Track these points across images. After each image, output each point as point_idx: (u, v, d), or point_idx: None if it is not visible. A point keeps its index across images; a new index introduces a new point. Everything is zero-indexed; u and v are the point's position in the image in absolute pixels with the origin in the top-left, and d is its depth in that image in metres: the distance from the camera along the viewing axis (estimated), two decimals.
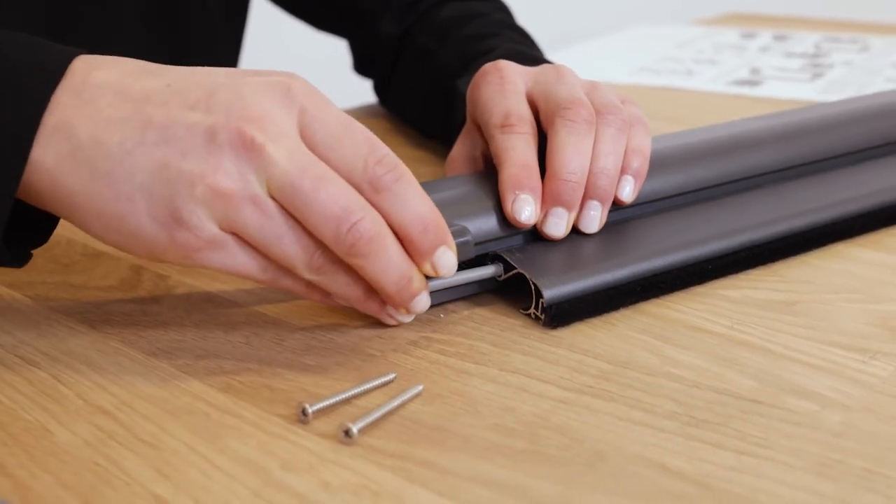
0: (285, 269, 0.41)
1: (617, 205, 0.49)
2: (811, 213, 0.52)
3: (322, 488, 0.34)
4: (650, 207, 0.52)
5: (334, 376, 0.41)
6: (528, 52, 0.66)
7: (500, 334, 0.45)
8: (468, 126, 0.55)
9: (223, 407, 0.39)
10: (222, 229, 0.40)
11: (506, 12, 0.80)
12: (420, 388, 0.39)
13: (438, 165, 0.71)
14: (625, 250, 0.48)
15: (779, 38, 1.20)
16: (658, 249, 0.48)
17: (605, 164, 0.48)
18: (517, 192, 0.46)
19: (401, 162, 0.41)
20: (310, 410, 0.37)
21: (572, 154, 0.47)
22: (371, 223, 0.39)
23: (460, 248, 0.44)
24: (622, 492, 0.33)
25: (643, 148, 0.49)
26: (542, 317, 0.44)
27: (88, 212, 0.40)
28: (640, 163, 0.49)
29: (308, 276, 0.41)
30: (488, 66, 0.51)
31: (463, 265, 0.46)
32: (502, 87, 0.50)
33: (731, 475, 0.34)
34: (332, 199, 0.39)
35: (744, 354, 0.42)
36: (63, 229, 0.59)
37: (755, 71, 1.01)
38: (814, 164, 0.58)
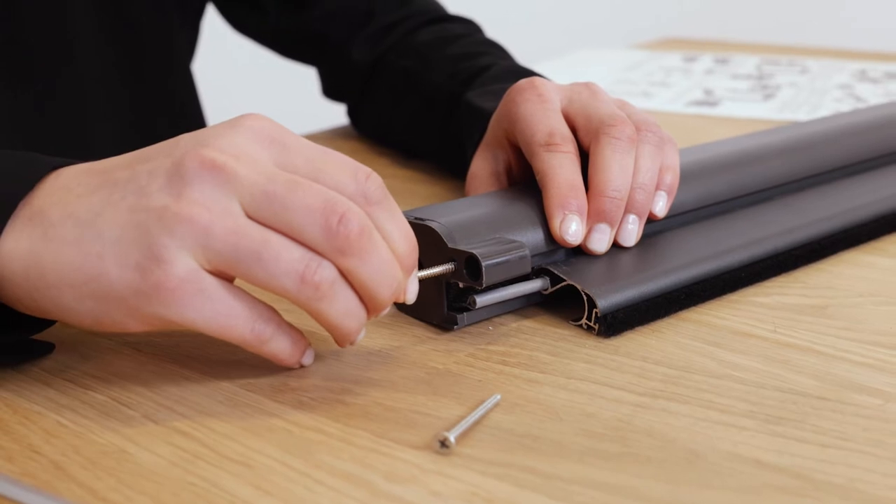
0: (276, 320, 0.40)
1: (649, 219, 0.51)
2: (824, 221, 0.55)
3: (433, 497, 0.34)
4: (674, 221, 0.53)
5: (405, 389, 0.41)
6: (526, 69, 0.67)
7: (555, 344, 0.45)
8: (492, 141, 0.55)
9: (302, 423, 0.39)
10: (202, 267, 0.37)
11: (482, 32, 0.82)
12: (498, 397, 0.40)
13: (431, 184, 0.72)
14: (663, 261, 0.49)
15: (720, 61, 1.25)
16: (694, 259, 0.49)
17: (644, 180, 0.49)
18: (565, 212, 0.47)
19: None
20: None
21: (617, 172, 0.48)
22: (360, 215, 0.37)
23: (519, 262, 0.45)
24: (727, 487, 0.34)
25: (674, 165, 0.51)
26: (597, 326, 0.45)
27: (60, 286, 0.38)
28: (673, 179, 0.51)
29: (304, 297, 0.38)
30: (524, 82, 0.52)
31: (511, 280, 0.46)
32: (542, 104, 0.51)
33: (825, 467, 0.35)
34: (312, 194, 0.37)
35: (795, 356, 0.44)
36: None
37: (709, 92, 1.05)
38: (819, 176, 0.60)
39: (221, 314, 0.38)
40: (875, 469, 0.35)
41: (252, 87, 1.77)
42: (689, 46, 1.39)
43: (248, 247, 0.37)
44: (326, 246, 0.37)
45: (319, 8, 0.82)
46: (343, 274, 0.38)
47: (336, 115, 0.95)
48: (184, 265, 0.37)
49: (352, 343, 0.41)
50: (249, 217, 0.37)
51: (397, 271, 0.39)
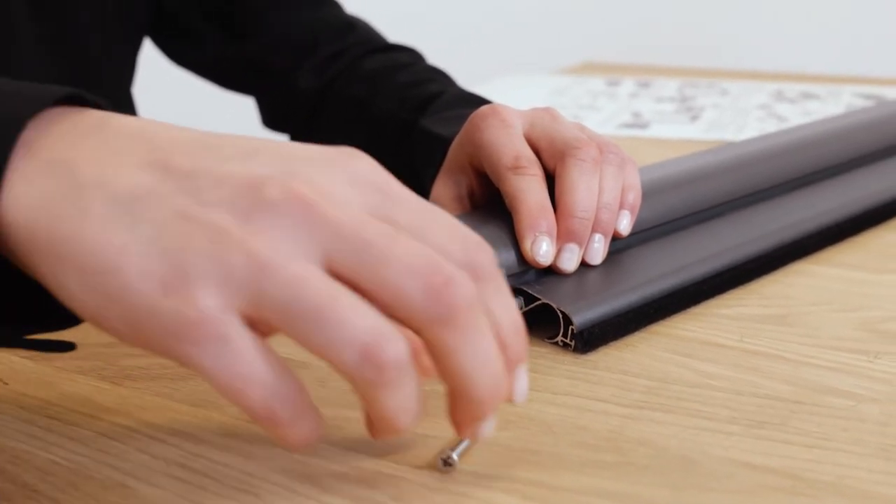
0: (300, 403, 0.32)
1: (613, 237, 0.52)
2: (774, 234, 0.58)
3: None
4: (634, 238, 0.55)
5: None
6: (475, 95, 0.69)
7: (535, 362, 0.46)
8: (454, 167, 0.56)
9: None
10: (237, 309, 0.30)
11: (425, 60, 0.83)
12: None
13: None
14: (630, 277, 0.51)
15: (642, 84, 1.29)
16: (658, 274, 0.51)
17: (608, 200, 0.51)
18: (536, 233, 0.49)
19: None
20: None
21: (584, 193, 0.50)
22: (469, 286, 0.31)
23: None
24: (727, 490, 0.35)
25: (636, 184, 0.53)
26: (573, 343, 0.47)
27: (68, 264, 0.31)
28: (635, 198, 0.53)
29: (361, 377, 0.30)
30: (486, 109, 0.54)
31: None
32: (506, 130, 0.52)
33: (813, 466, 0.37)
34: (413, 251, 0.31)
35: (764, 363, 0.46)
36: None
37: (637, 115, 1.08)
38: (766, 191, 0.63)
39: (235, 373, 0.30)
40: (859, 466, 0.37)
41: (190, 115, 1.75)
42: (610, 71, 1.43)
43: (311, 300, 0.30)
44: (423, 314, 0.31)
45: (261, 38, 0.82)
46: (434, 353, 0.32)
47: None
48: (214, 299, 0.30)
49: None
50: (326, 267, 0.31)
51: (499, 366, 0.33)
